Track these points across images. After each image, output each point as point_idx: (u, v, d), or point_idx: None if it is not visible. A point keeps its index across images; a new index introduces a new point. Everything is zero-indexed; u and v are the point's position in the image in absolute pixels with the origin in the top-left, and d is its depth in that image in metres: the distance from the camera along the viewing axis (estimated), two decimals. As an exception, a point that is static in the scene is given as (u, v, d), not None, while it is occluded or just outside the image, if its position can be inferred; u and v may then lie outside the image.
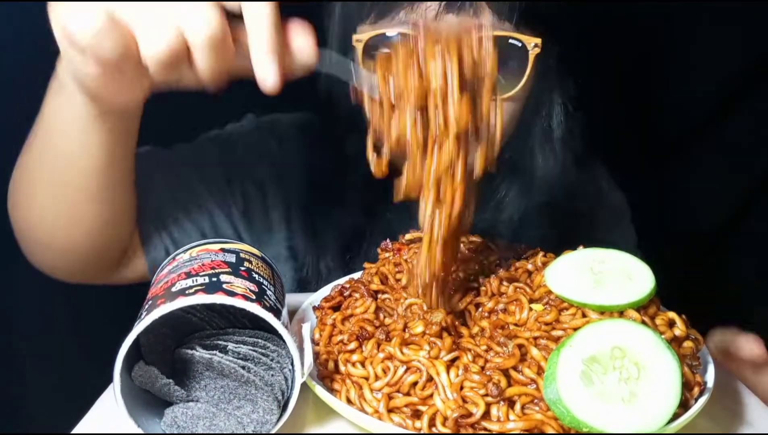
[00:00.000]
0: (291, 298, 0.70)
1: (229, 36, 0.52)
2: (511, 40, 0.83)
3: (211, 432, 0.56)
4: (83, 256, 0.83)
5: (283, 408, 0.57)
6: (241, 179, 0.98)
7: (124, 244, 0.88)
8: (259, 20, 0.52)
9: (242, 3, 0.52)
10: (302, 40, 0.56)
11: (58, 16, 0.54)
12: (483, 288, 0.68)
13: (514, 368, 0.57)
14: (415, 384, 0.58)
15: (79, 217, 0.78)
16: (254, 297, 0.57)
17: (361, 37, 0.84)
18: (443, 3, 0.81)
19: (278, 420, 0.56)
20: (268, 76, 0.53)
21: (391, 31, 0.83)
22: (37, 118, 0.74)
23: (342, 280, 0.77)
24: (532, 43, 0.83)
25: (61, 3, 0.54)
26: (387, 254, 0.77)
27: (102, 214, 0.79)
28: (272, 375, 0.57)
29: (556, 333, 0.59)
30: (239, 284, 0.58)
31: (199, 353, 0.56)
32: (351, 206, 0.96)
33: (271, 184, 0.99)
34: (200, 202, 0.94)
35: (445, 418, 0.54)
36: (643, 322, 0.58)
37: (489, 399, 0.54)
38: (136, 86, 0.62)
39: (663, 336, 0.56)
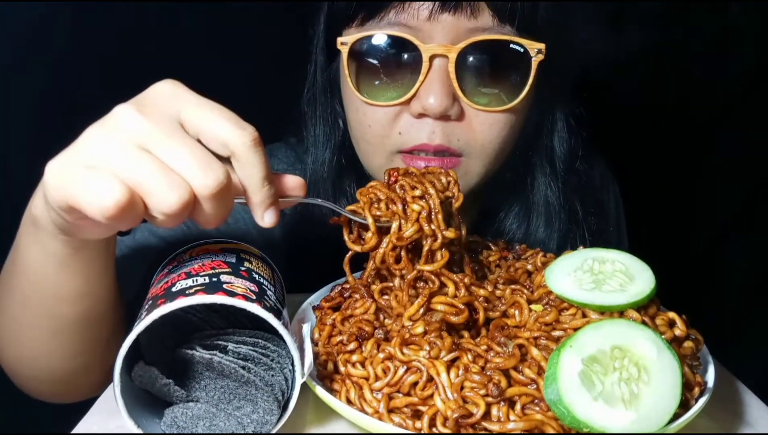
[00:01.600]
0: (291, 298, 0.70)
1: (232, 186, 0.55)
2: (512, 45, 0.80)
3: (211, 432, 0.56)
4: (66, 383, 0.76)
5: (284, 408, 0.57)
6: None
7: (107, 366, 0.76)
8: (253, 178, 0.56)
9: (236, 164, 0.55)
10: (294, 181, 0.62)
11: (65, 185, 0.51)
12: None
13: (515, 368, 0.57)
14: (415, 384, 0.58)
15: (72, 346, 0.71)
16: (254, 297, 0.57)
17: (347, 39, 0.81)
18: (438, 2, 0.77)
19: (278, 420, 0.56)
20: (267, 223, 0.59)
21: (378, 38, 0.80)
22: (10, 255, 0.70)
23: (341, 280, 0.77)
24: (536, 49, 0.80)
25: (65, 168, 0.51)
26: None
27: (91, 336, 0.72)
28: (272, 375, 0.57)
29: (556, 333, 0.59)
30: (239, 284, 0.58)
31: (199, 353, 0.56)
32: (317, 245, 0.88)
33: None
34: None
35: (446, 419, 0.54)
36: (644, 323, 0.58)
37: (489, 399, 0.54)
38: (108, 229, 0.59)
39: (663, 336, 0.56)
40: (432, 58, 0.78)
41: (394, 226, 0.67)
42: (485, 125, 0.82)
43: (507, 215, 0.97)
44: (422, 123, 0.81)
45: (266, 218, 0.58)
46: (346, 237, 0.69)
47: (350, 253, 0.70)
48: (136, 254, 0.88)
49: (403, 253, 0.67)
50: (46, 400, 0.80)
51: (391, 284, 0.69)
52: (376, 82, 0.82)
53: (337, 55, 0.86)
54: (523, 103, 0.82)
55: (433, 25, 0.78)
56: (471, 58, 0.79)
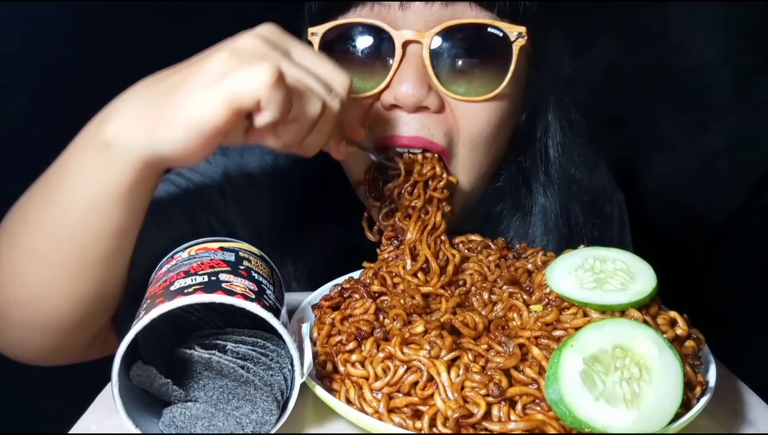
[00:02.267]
0: (290, 297, 0.70)
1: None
2: (490, 29, 0.75)
3: (210, 432, 0.56)
4: (65, 334, 0.73)
5: (283, 408, 0.56)
6: (208, 219, 0.89)
7: (107, 319, 0.77)
8: (346, 116, 0.66)
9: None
10: (357, 129, 0.75)
11: (229, 72, 0.57)
12: (476, 298, 0.68)
13: (516, 368, 0.56)
14: (415, 384, 0.57)
15: (85, 286, 0.69)
16: (254, 296, 0.56)
17: (317, 30, 0.78)
18: None
19: (277, 420, 0.56)
20: (342, 155, 0.71)
21: (348, 26, 0.77)
22: (40, 190, 0.69)
23: (340, 280, 0.77)
24: (515, 33, 0.75)
25: (226, 60, 0.57)
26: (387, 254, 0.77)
27: (108, 279, 0.71)
28: (271, 375, 0.56)
29: (557, 333, 0.59)
30: (238, 283, 0.58)
31: (198, 353, 0.56)
32: (323, 242, 0.89)
33: (239, 224, 0.91)
34: (164, 252, 0.79)
35: (446, 419, 0.54)
36: (645, 322, 0.58)
37: (490, 399, 0.54)
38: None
39: (665, 335, 0.56)
40: (405, 45, 0.75)
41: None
42: (468, 117, 0.78)
43: (502, 225, 0.93)
44: (393, 115, 0.78)
45: (342, 149, 0.70)
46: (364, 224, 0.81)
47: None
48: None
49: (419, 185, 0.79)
50: (27, 361, 0.77)
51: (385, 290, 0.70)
52: (351, 73, 0.77)
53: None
54: (507, 92, 0.78)
55: (405, 12, 0.75)
56: (447, 44, 0.75)
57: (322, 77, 0.62)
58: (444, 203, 0.79)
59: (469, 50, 0.76)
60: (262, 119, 0.57)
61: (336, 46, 0.78)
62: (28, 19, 1.18)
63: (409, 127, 0.78)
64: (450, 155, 0.80)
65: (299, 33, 0.88)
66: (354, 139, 0.74)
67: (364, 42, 0.78)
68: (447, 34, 0.75)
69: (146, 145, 0.60)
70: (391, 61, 0.76)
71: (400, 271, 0.72)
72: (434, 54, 0.75)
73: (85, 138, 0.65)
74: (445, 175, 0.79)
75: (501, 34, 0.76)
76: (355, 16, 0.77)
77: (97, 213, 0.65)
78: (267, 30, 0.62)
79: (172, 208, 0.86)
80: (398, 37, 0.75)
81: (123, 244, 0.69)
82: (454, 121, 0.79)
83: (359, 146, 0.76)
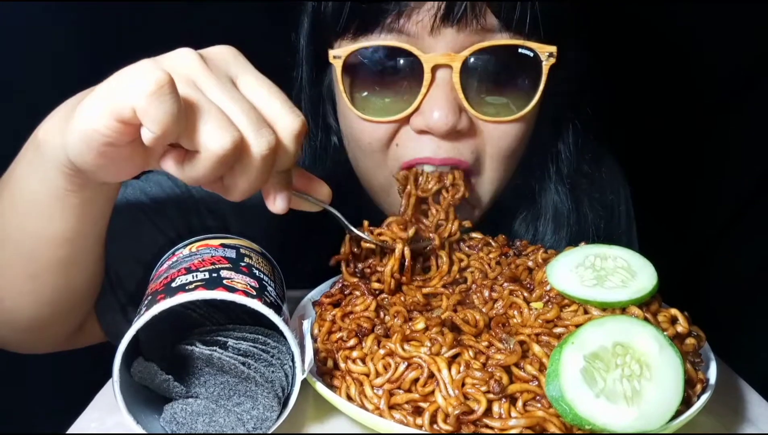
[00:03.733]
0: (290, 294, 0.70)
1: (275, 157, 0.55)
2: (521, 50, 0.74)
3: (211, 429, 0.56)
4: (44, 328, 0.73)
5: (284, 405, 0.56)
6: (200, 214, 0.88)
7: (87, 311, 0.77)
8: (283, 163, 0.56)
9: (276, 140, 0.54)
10: (322, 187, 0.64)
11: (124, 92, 0.49)
12: (476, 296, 0.68)
13: (516, 365, 0.56)
14: (416, 381, 0.57)
15: (47, 293, 0.68)
16: (255, 293, 0.56)
17: (340, 53, 0.75)
18: (440, 13, 0.70)
19: (278, 417, 0.56)
20: (278, 207, 0.60)
21: (374, 49, 0.74)
22: (2, 183, 0.66)
23: (339, 277, 0.77)
24: (547, 53, 0.74)
25: (129, 78, 0.50)
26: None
27: (72, 286, 0.70)
28: (273, 371, 0.56)
29: (557, 330, 0.59)
30: (240, 280, 0.58)
31: (199, 349, 0.56)
32: (315, 239, 0.85)
33: (233, 218, 0.90)
34: (154, 243, 0.81)
35: (447, 415, 0.54)
36: (646, 319, 0.58)
37: (491, 396, 0.54)
38: (134, 168, 0.59)
39: (665, 333, 0.56)
40: (434, 69, 0.73)
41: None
42: (497, 135, 0.78)
43: (514, 221, 0.94)
44: (423, 138, 0.77)
45: (278, 202, 0.59)
46: (343, 269, 0.74)
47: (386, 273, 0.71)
48: (124, 212, 0.82)
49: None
50: (5, 348, 0.77)
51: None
52: (374, 98, 0.77)
53: (328, 66, 0.82)
54: (533, 111, 0.78)
55: (435, 36, 0.72)
56: (477, 67, 0.74)
57: (267, 114, 0.54)
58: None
59: (499, 72, 0.75)
60: (144, 135, 0.50)
61: (360, 69, 0.76)
62: (28, 19, 1.18)
63: (440, 150, 0.76)
64: (476, 171, 0.80)
65: (294, 40, 0.88)
66: (310, 194, 0.64)
67: (390, 65, 0.75)
68: (477, 56, 0.73)
69: (62, 149, 0.56)
70: (419, 85, 0.74)
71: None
72: (464, 77, 0.73)
73: (32, 136, 0.62)
74: (462, 188, 0.77)
75: (532, 55, 0.74)
76: (380, 39, 0.74)
77: (38, 215, 0.62)
78: (216, 50, 0.56)
79: (165, 203, 0.85)
80: (427, 62, 0.73)
81: (74, 252, 0.66)
82: (481, 139, 0.78)
83: (318, 203, 0.66)
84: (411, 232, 0.74)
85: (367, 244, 0.73)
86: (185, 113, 0.50)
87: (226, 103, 0.52)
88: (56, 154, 0.57)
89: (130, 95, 0.48)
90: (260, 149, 0.52)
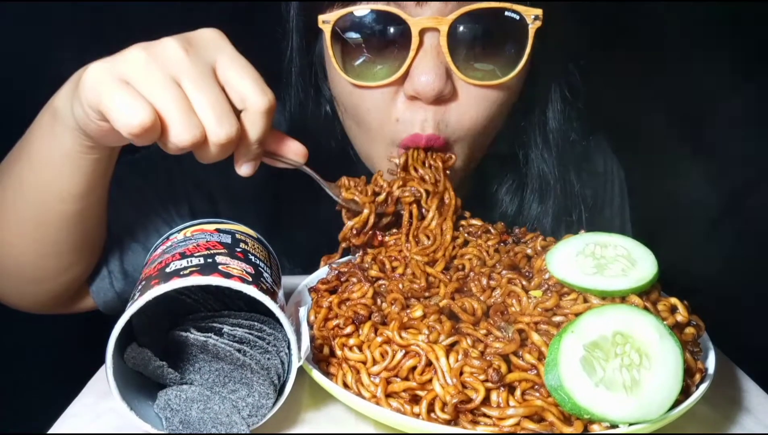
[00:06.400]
0: (287, 280, 0.69)
1: (237, 140, 0.62)
2: (507, 13, 0.74)
3: (205, 416, 0.55)
4: (50, 285, 0.80)
5: (279, 392, 0.56)
6: (189, 192, 0.92)
7: (82, 275, 0.84)
8: (251, 136, 0.62)
9: (244, 118, 0.62)
10: (297, 147, 0.69)
11: (101, 91, 0.57)
12: (474, 284, 0.68)
13: (515, 354, 0.56)
14: (413, 369, 0.57)
15: (52, 244, 0.76)
16: (251, 279, 0.56)
17: (329, 17, 0.75)
18: None
19: (274, 404, 0.55)
20: (243, 172, 0.66)
21: (362, 13, 0.74)
22: (18, 144, 0.74)
23: (341, 260, 0.76)
24: (532, 15, 0.74)
25: (104, 75, 0.57)
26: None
27: (75, 241, 0.77)
28: (268, 358, 0.56)
29: (557, 319, 0.58)
30: (235, 266, 0.57)
31: (194, 335, 0.55)
32: (306, 219, 0.89)
33: (221, 197, 0.93)
34: (144, 218, 0.88)
35: (444, 404, 0.54)
36: (646, 308, 0.57)
37: (489, 385, 0.54)
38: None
39: (665, 322, 0.56)
40: (422, 32, 0.73)
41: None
42: (480, 100, 0.77)
43: (499, 189, 0.94)
44: (416, 107, 0.77)
45: (243, 169, 0.65)
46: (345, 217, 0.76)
47: (345, 228, 0.76)
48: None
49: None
50: (7, 302, 0.84)
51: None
52: (364, 62, 0.77)
53: (318, 35, 0.82)
54: (520, 76, 0.78)
55: (423, 1, 0.73)
56: (464, 30, 0.74)
57: (239, 92, 0.61)
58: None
59: (486, 35, 0.75)
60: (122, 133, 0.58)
61: (349, 34, 0.76)
62: (27, 18, 1.18)
63: (426, 123, 0.77)
64: (456, 140, 0.80)
65: (284, 11, 0.88)
66: (284, 155, 0.69)
67: (378, 30, 0.75)
68: (464, 20, 0.73)
69: (72, 117, 0.63)
70: (407, 49, 0.74)
71: (406, 252, 0.73)
72: (451, 41, 0.73)
73: (50, 101, 0.69)
74: (454, 157, 0.80)
75: (518, 18, 0.74)
76: (367, 4, 0.74)
77: (51, 173, 0.70)
78: (200, 34, 0.62)
79: (153, 171, 0.91)
80: (415, 25, 0.73)
81: (81, 208, 0.73)
82: (460, 107, 0.78)
83: (294, 166, 0.70)
84: (380, 198, 0.76)
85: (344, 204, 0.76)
86: (159, 118, 0.57)
87: (197, 96, 0.59)
88: (68, 121, 0.64)
89: (115, 120, 0.56)
90: (218, 139, 0.59)
